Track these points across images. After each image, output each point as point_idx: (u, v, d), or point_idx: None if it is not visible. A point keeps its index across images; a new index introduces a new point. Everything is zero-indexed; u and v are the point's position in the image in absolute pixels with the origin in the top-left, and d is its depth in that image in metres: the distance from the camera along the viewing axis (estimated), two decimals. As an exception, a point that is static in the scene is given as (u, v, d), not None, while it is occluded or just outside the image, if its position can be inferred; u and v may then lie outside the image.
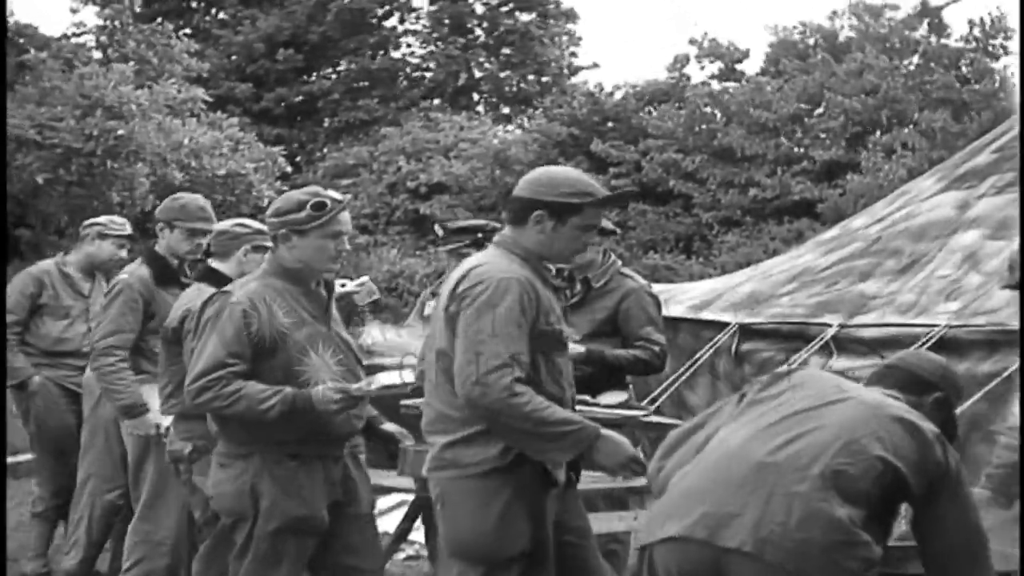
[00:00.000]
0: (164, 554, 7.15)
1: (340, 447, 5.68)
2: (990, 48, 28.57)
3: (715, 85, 32.69)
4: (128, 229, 8.76)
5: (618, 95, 33.21)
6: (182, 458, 6.37)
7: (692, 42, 34.87)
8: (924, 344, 8.33)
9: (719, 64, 34.74)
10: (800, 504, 4.00)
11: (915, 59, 29.74)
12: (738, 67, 34.70)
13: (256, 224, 6.83)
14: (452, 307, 4.96)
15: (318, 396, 5.39)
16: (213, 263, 6.67)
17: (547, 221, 5.03)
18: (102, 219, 8.91)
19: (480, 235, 7.97)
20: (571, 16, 46.30)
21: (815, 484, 4.02)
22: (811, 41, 34.37)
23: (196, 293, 6.46)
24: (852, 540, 3.99)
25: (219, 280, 6.47)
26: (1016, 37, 27.85)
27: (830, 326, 9.47)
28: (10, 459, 12.11)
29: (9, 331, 8.52)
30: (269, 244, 6.61)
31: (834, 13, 34.41)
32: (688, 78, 33.84)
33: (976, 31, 28.64)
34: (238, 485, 5.53)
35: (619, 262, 7.68)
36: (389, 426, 5.93)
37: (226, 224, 6.84)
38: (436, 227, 8.29)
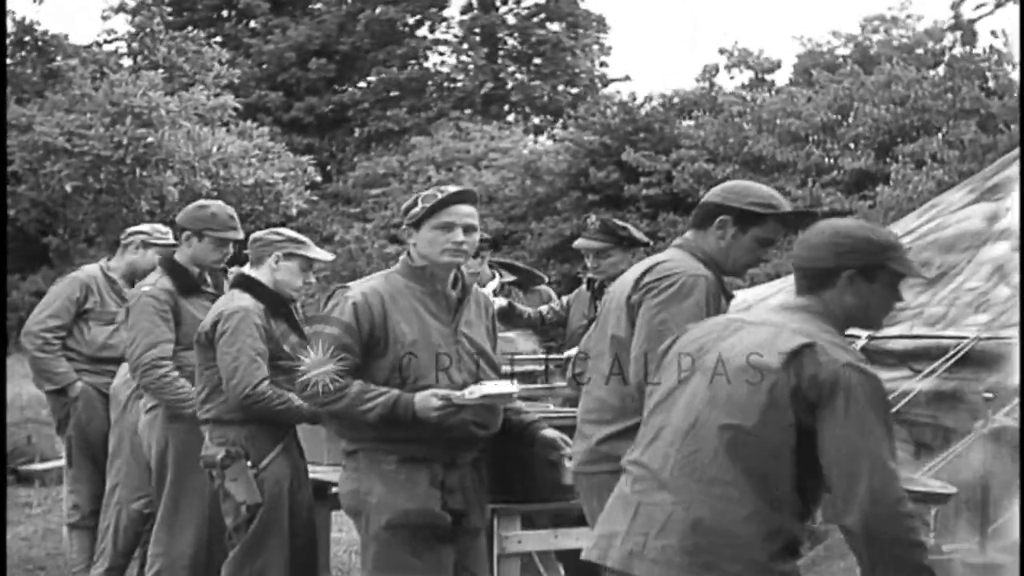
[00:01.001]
0: (184, 567, 7.06)
1: (452, 453, 5.49)
2: (1014, 61, 28.46)
3: (745, 95, 32.65)
4: (171, 239, 8.49)
5: (649, 105, 33.18)
6: (215, 464, 6.32)
7: (722, 51, 34.90)
8: (953, 357, 8.27)
9: (749, 74, 34.73)
10: (659, 513, 3.85)
11: (940, 70, 29.67)
12: (767, 77, 34.70)
13: (289, 232, 6.84)
14: (635, 297, 4.95)
15: (420, 402, 5.30)
16: (247, 270, 6.69)
17: (729, 228, 5.01)
18: (146, 227, 8.79)
19: None
20: (600, 24, 46.38)
21: (670, 487, 3.85)
22: (840, 51, 34.35)
23: (229, 299, 6.53)
24: (720, 542, 3.74)
25: (252, 286, 6.54)
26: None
27: (859, 337, 9.40)
28: (38, 466, 12.20)
29: (53, 335, 8.43)
30: (301, 252, 6.68)
31: (865, 20, 34.44)
32: (720, 88, 33.80)
33: (998, 42, 28.54)
34: (350, 483, 5.49)
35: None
36: (550, 432, 5.80)
37: (262, 232, 6.85)
38: None
